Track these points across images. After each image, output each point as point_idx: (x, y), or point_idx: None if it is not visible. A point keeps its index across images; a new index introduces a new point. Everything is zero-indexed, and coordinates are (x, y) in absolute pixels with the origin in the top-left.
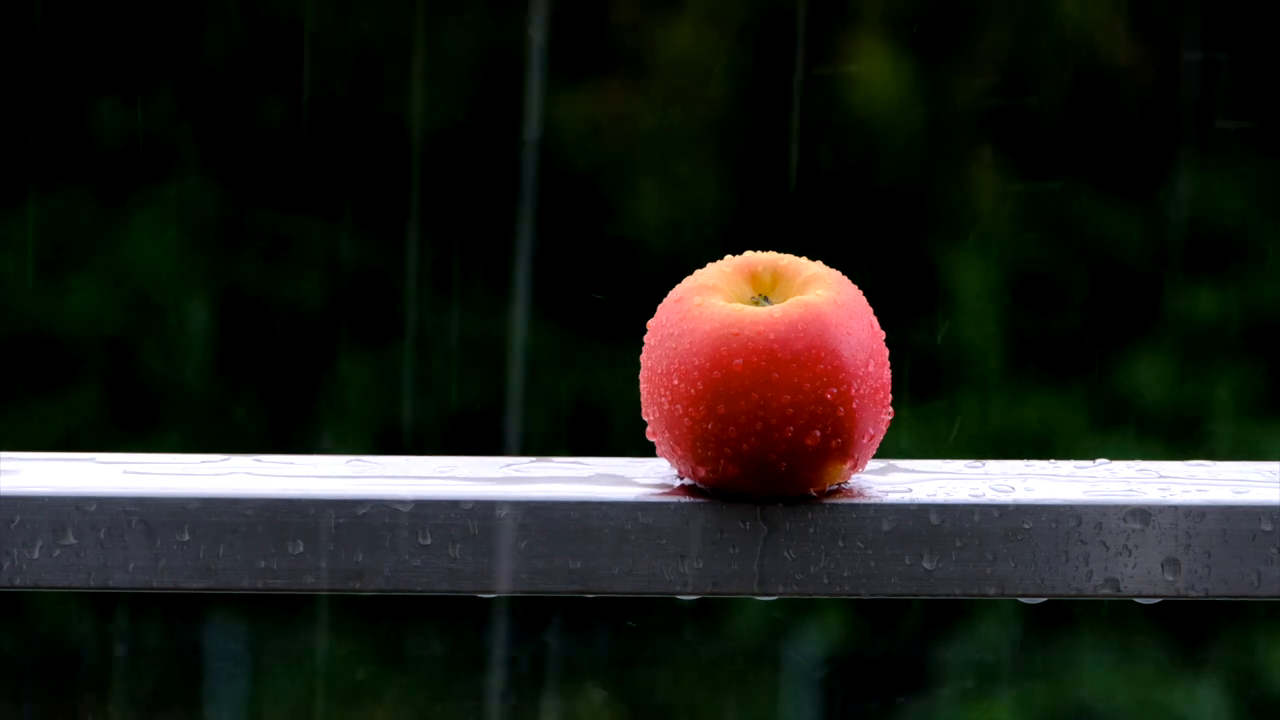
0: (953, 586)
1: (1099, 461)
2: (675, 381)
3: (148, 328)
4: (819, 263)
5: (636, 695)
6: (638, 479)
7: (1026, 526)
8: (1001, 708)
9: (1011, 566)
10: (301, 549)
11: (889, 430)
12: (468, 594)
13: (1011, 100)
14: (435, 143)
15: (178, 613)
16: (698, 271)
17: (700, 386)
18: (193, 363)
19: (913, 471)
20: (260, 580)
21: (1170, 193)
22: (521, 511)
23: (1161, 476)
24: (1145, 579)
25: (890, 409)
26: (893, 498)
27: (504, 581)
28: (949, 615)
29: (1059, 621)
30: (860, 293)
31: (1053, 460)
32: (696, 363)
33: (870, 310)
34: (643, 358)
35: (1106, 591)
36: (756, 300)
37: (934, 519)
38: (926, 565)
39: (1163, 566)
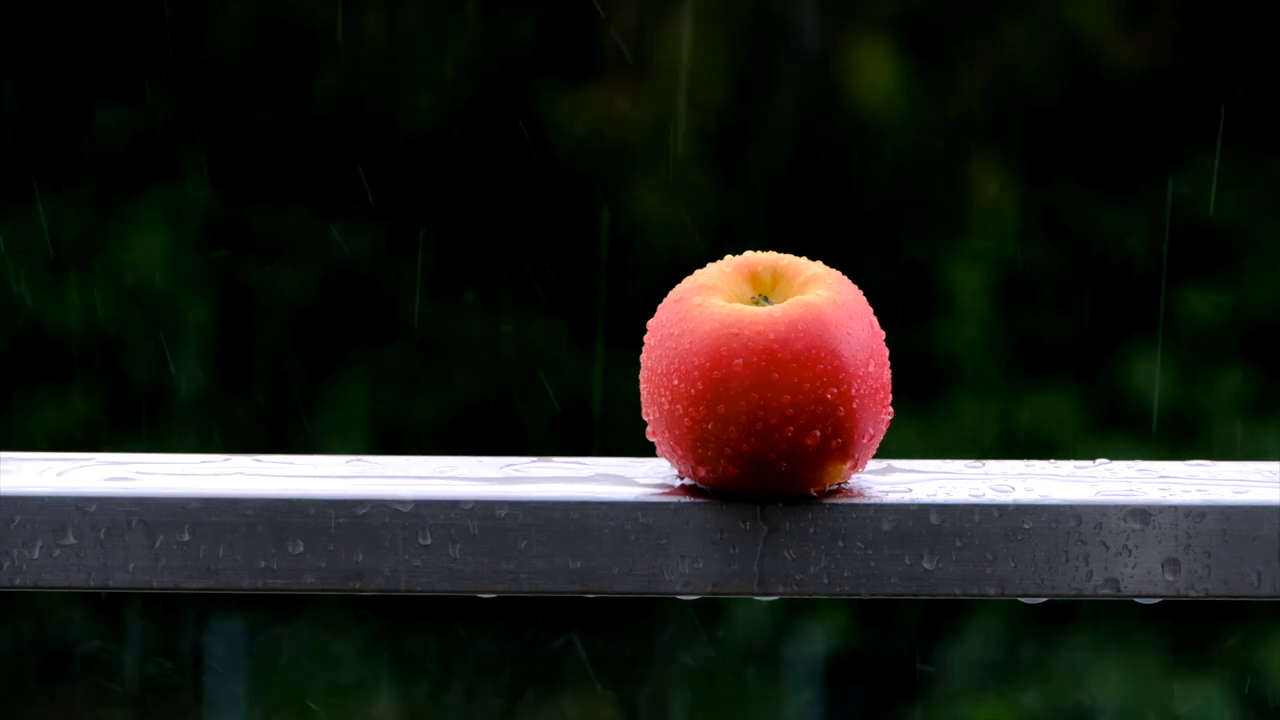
0: (953, 586)
1: (1099, 461)
2: (675, 381)
3: (148, 328)
4: (819, 263)
5: (636, 695)
6: (638, 479)
7: (1026, 526)
8: (1001, 708)
9: (1011, 566)
10: (301, 549)
11: (889, 430)
12: (468, 594)
13: (1011, 100)
14: (435, 143)
15: (178, 613)
16: (698, 271)
17: (700, 386)
18: (192, 363)
19: (913, 471)
20: (260, 580)
21: (1170, 193)
22: (521, 511)
23: (1161, 476)
24: (1145, 579)
25: (890, 409)
26: (893, 498)
27: (504, 581)
28: (949, 615)
29: (1059, 621)
30: (860, 293)
31: (1053, 460)
32: (696, 363)
33: (870, 310)
34: (643, 358)
35: (1106, 591)
36: (756, 300)
37: (934, 519)
38: (926, 565)
39: (1163, 566)
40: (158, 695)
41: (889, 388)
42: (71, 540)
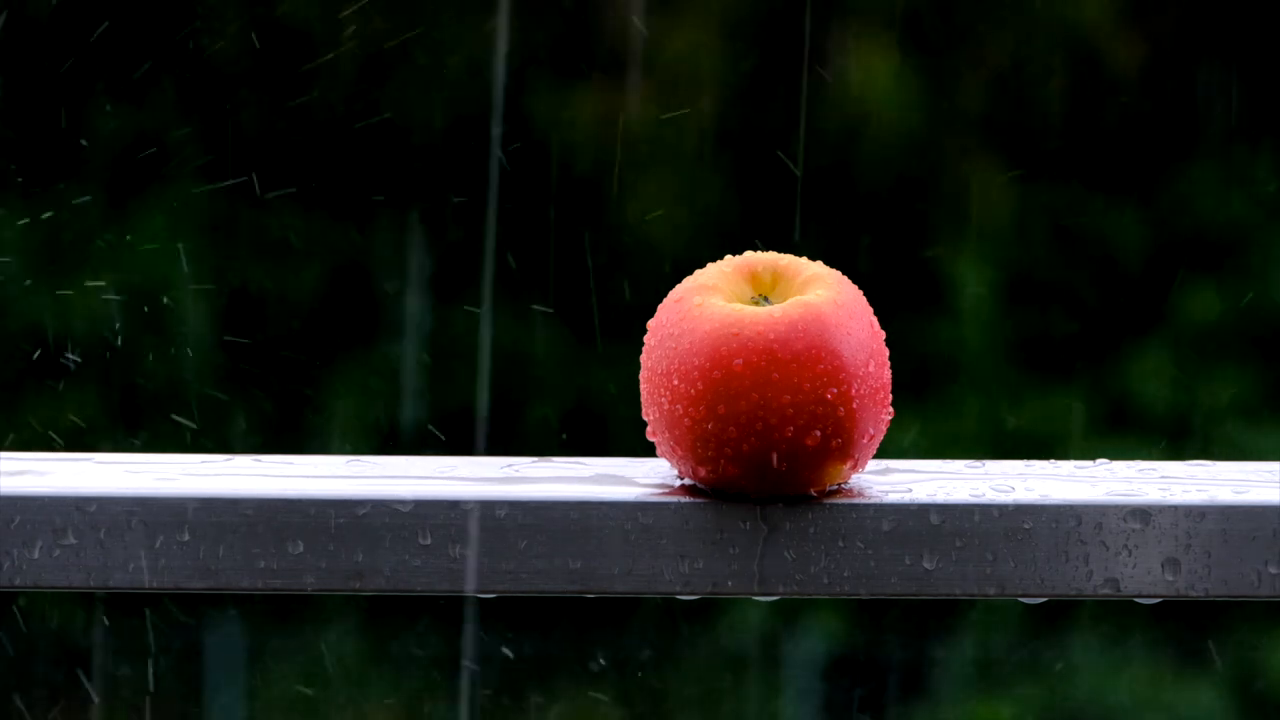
0: (953, 586)
1: (1099, 461)
2: (675, 381)
3: (148, 328)
4: (819, 263)
5: (637, 695)
6: (638, 479)
7: (1026, 526)
8: (1001, 708)
9: (1011, 566)
10: (301, 549)
11: (889, 430)
12: (468, 594)
13: (1011, 100)
14: (436, 143)
15: (177, 613)
16: (698, 271)
17: (700, 386)
18: (192, 362)
19: (913, 471)
20: (260, 580)
21: (1170, 193)
22: (521, 511)
23: (1161, 476)
24: (1145, 579)
25: (890, 409)
26: (893, 498)
27: (504, 581)
28: (949, 615)
29: (1059, 621)
30: (860, 293)
31: (1053, 460)
32: (696, 363)
33: (870, 310)
34: (643, 358)
35: (1106, 591)
36: (756, 300)
37: (934, 519)
38: (926, 565)
39: (1163, 566)
40: (158, 695)
41: (889, 388)
42: (71, 540)
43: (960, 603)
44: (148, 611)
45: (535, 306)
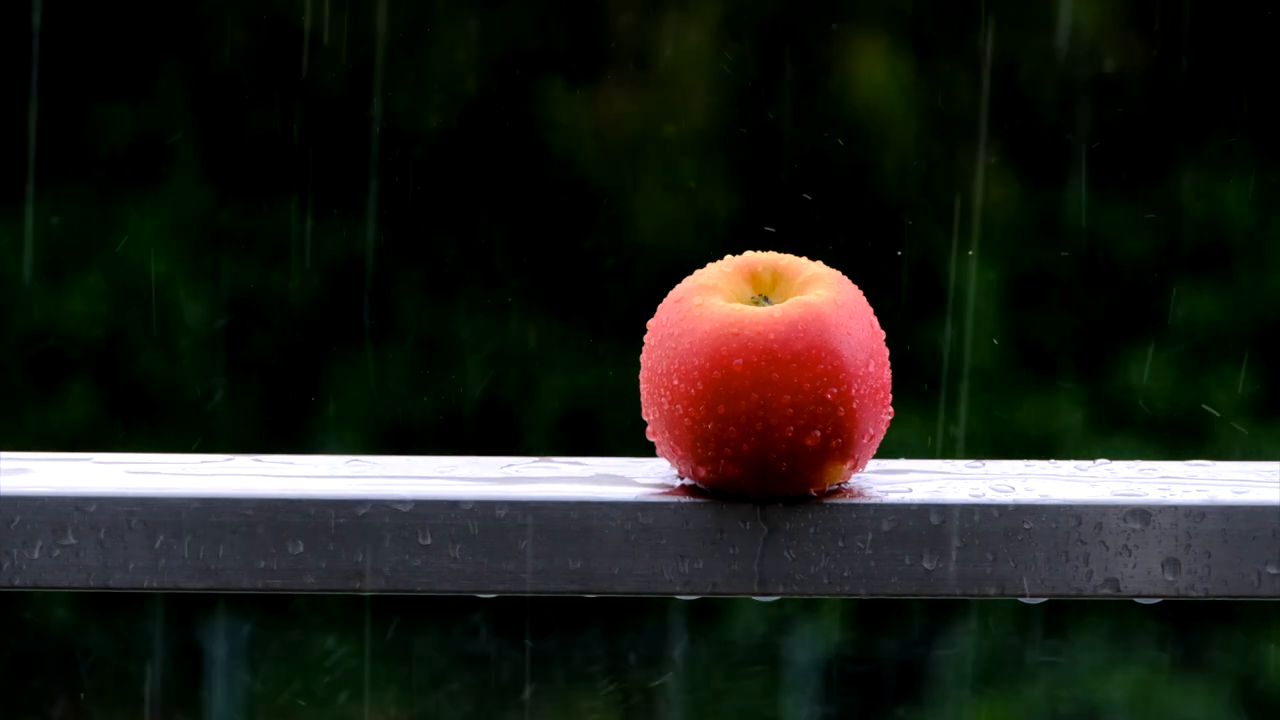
0: (953, 586)
1: (1099, 461)
2: (675, 381)
3: (147, 328)
4: (819, 263)
5: (636, 695)
6: (638, 479)
7: (1026, 526)
8: (1001, 708)
9: (1011, 566)
10: (301, 549)
11: (889, 430)
12: (468, 594)
13: (1011, 100)
14: (436, 143)
15: (178, 613)
16: (698, 271)
17: (700, 386)
18: (192, 362)
19: (913, 471)
20: (260, 580)
21: (1170, 193)
22: (521, 511)
23: (1161, 476)
24: (1145, 579)
25: (890, 409)
26: (893, 498)
27: (504, 581)
28: (949, 615)
29: (1059, 621)
30: (860, 293)
31: (1053, 460)
32: (696, 363)
33: (870, 310)
34: (643, 358)
35: (1106, 591)
36: (756, 300)
37: (934, 519)
38: (926, 565)
39: (1163, 566)
40: (158, 695)
41: (889, 388)
42: (71, 540)
43: (960, 603)
44: (148, 611)
45: (535, 306)
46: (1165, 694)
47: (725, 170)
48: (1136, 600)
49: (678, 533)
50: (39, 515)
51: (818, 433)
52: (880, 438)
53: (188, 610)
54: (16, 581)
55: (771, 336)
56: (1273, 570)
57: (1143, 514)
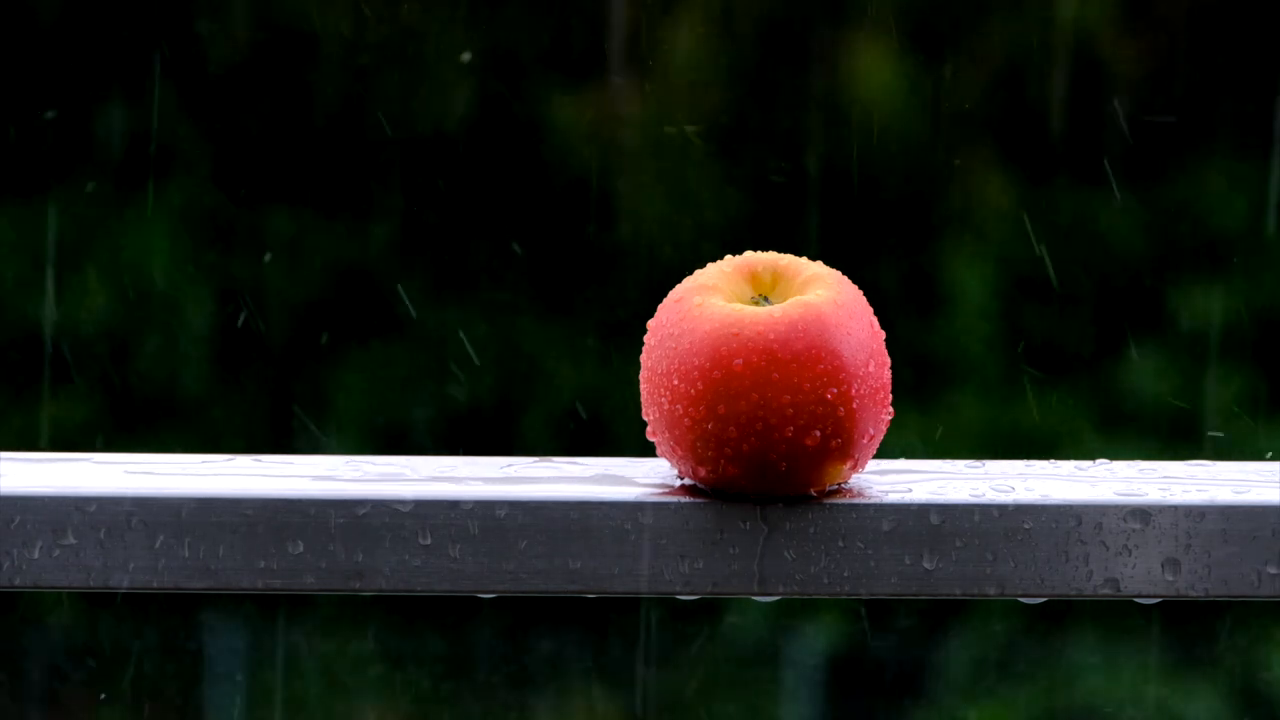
0: (953, 586)
1: (1099, 461)
2: (675, 381)
3: (148, 328)
4: (819, 263)
5: (636, 695)
6: (638, 479)
7: (1026, 526)
8: (1001, 708)
9: (1011, 566)
10: (301, 549)
11: (889, 430)
12: (468, 594)
13: (1012, 100)
14: (435, 143)
15: (178, 613)
16: (698, 271)
17: (700, 386)
18: (192, 362)
19: (913, 471)
20: (260, 580)
21: (1170, 193)
22: (521, 511)
23: (1161, 476)
24: (1145, 579)
25: (890, 409)
26: (893, 498)
27: (504, 581)
28: (949, 615)
29: (1059, 621)
30: (860, 293)
31: (1053, 460)
32: (696, 363)
33: (870, 310)
34: (643, 358)
35: (1106, 591)
36: (756, 300)
37: (934, 519)
38: (926, 565)
39: (1163, 566)
40: (158, 695)
41: (889, 388)
42: (71, 540)
43: (960, 603)
44: (148, 611)
45: (535, 306)
46: (1165, 694)
47: (725, 170)
48: (1136, 600)
49: (678, 533)
50: (39, 515)
51: (818, 433)
52: (880, 438)
53: (188, 610)
54: (16, 581)
55: (771, 336)
56: (1273, 570)
57: (1143, 514)
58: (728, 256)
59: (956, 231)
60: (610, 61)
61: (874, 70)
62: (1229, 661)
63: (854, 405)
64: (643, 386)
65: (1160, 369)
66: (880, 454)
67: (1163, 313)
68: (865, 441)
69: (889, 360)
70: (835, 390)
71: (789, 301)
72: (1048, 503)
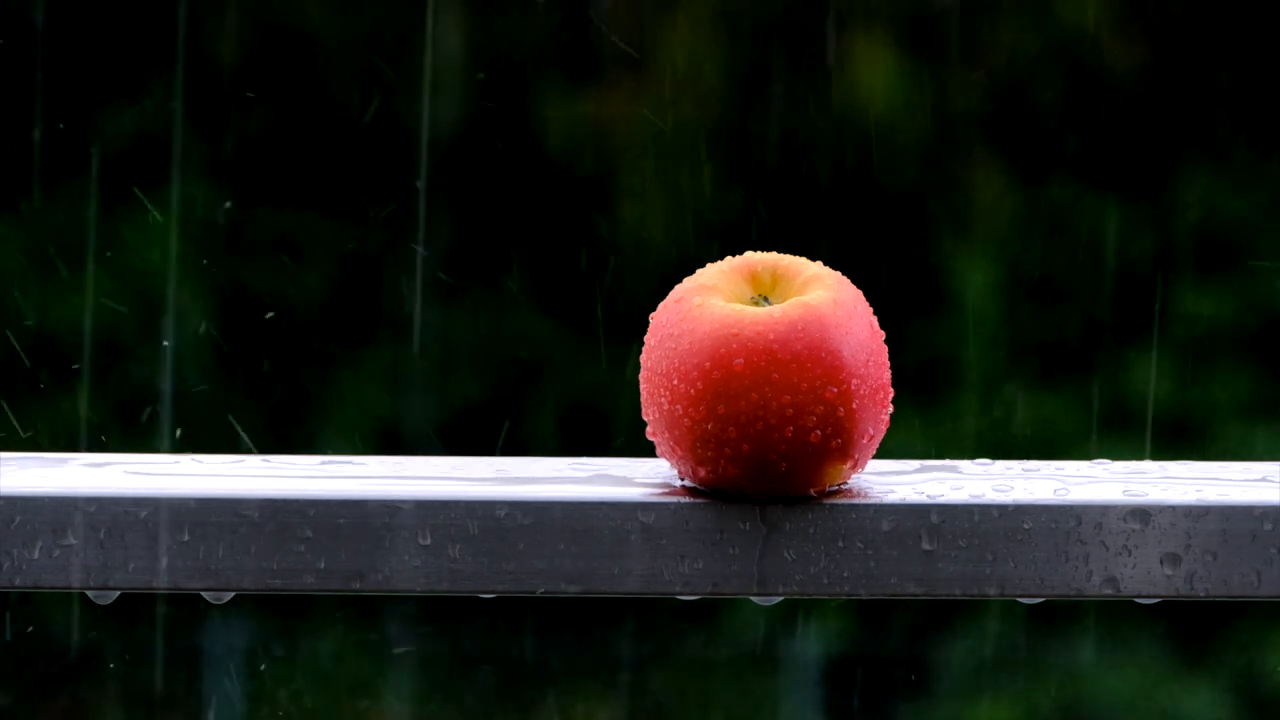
0: (953, 586)
1: (1099, 461)
2: (675, 381)
3: (147, 328)
4: (819, 263)
5: (636, 695)
6: (638, 479)
7: (1026, 526)
8: (1001, 708)
9: (1011, 566)
10: (301, 549)
11: (890, 430)
12: (468, 594)
13: (1012, 100)
14: (435, 143)
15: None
16: (698, 271)
17: (700, 386)
18: (193, 362)
19: (913, 471)
20: (260, 580)
21: (1170, 193)
22: (521, 511)
23: (1161, 476)
24: (1145, 579)
25: (890, 409)
26: (893, 498)
27: (504, 581)
28: (949, 615)
29: (1059, 621)
30: (860, 293)
31: (1053, 460)
32: (696, 363)
33: (870, 310)
34: (643, 358)
35: (1107, 591)
36: (756, 300)
37: (934, 519)
38: (926, 565)
39: (1162, 566)
40: (158, 695)
41: (889, 388)
42: (71, 540)
43: (960, 603)
44: (147, 612)
45: (535, 306)
46: (1166, 694)
47: (726, 170)
48: (1136, 600)
49: (678, 533)
50: (39, 515)
51: (818, 433)
52: (880, 438)
53: (188, 610)
54: (16, 581)
55: (771, 336)
56: (1273, 570)
57: (1143, 514)
58: (728, 257)
59: (957, 231)
60: (611, 60)
61: (874, 70)
62: (1229, 661)
63: (854, 405)
64: (643, 386)
65: (1160, 369)
66: (880, 454)
67: (1163, 313)
68: (865, 441)
69: (889, 360)
70: (835, 390)
71: (789, 302)
72: (1048, 503)
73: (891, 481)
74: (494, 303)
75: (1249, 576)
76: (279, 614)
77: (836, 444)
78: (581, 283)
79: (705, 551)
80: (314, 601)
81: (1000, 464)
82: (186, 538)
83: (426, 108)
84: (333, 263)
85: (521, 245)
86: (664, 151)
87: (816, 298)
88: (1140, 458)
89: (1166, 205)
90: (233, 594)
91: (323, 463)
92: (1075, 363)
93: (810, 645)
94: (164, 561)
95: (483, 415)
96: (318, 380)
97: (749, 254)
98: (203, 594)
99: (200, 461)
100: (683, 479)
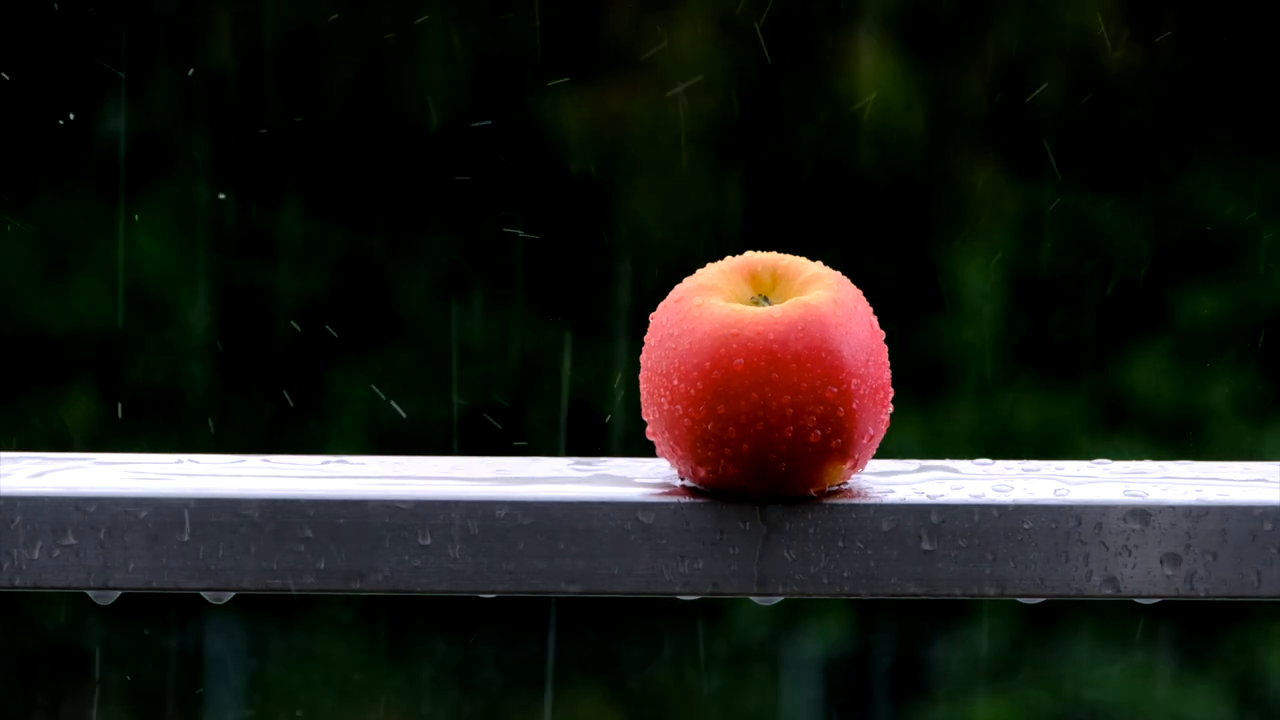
0: (953, 586)
1: (1099, 461)
2: (675, 381)
3: (148, 328)
4: (819, 263)
5: (636, 695)
6: (638, 479)
7: (1026, 526)
8: (1001, 708)
9: (1011, 566)
10: (301, 549)
11: (890, 430)
12: (468, 594)
13: (1012, 99)
14: (435, 142)
15: (178, 613)
16: (698, 271)
17: (700, 386)
18: (193, 362)
19: (913, 471)
20: (260, 580)
21: (1170, 193)
22: (521, 511)
23: (1161, 476)
24: (1145, 579)
25: (890, 409)
26: (893, 498)
27: (504, 581)
28: (949, 615)
29: (1059, 621)
30: (860, 293)
31: (1053, 460)
32: (696, 363)
33: (870, 310)
34: (643, 358)
35: (1107, 591)
36: (756, 300)
37: (934, 519)
38: (926, 565)
39: (1162, 566)
40: (158, 695)
41: (889, 388)
42: (71, 540)
43: (960, 603)
44: (147, 612)
45: (535, 306)
46: (1165, 694)
47: (726, 170)
48: (1136, 600)
49: (678, 533)
50: (39, 515)
51: (818, 433)
52: (880, 438)
53: (188, 610)
54: (16, 581)
55: (771, 336)
56: (1273, 570)
57: (1143, 514)
58: (728, 257)
59: (956, 231)
60: (611, 59)
61: (874, 70)
62: (1229, 661)
63: (854, 405)
64: (643, 386)
65: (1160, 369)
66: (880, 454)
67: (1163, 313)
68: (865, 441)
69: (889, 360)
70: (835, 390)
71: (789, 302)
72: (1048, 503)
73: (891, 481)
74: (494, 302)
75: (1249, 576)
76: (279, 614)
77: (836, 444)
78: (581, 282)
79: (705, 551)
80: (314, 601)
81: (1000, 464)
82: (186, 538)
83: (426, 104)
84: (333, 262)
85: (522, 244)
86: (664, 150)
87: (816, 298)
88: (1140, 458)
89: (1166, 205)
90: (233, 594)
91: (323, 463)
92: (1075, 363)
93: (810, 645)
94: (164, 561)
95: (482, 415)
96: (318, 380)
97: (749, 254)
98: (203, 594)
99: (200, 461)
100: (683, 479)
